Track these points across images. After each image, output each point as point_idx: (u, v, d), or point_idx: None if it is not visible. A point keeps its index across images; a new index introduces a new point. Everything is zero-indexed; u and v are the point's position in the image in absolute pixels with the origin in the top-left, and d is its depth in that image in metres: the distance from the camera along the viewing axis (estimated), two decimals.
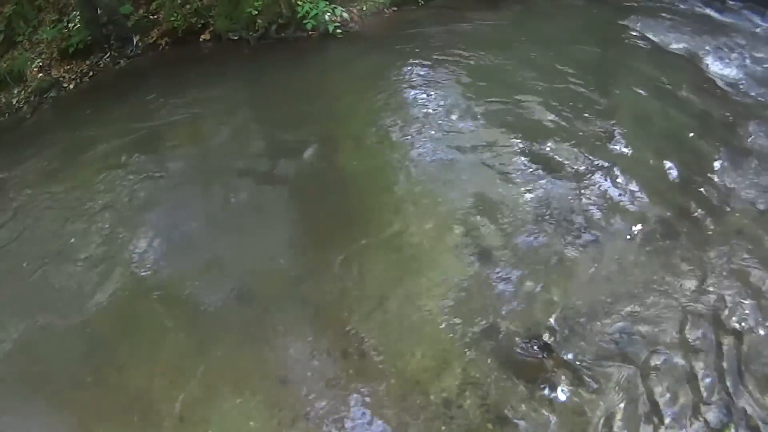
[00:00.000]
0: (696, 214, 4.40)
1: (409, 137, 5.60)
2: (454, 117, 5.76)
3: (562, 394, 3.46)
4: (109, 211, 5.76)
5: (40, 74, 9.05)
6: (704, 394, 3.34)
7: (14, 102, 8.77)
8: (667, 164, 4.85)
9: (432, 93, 6.20)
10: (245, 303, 4.49)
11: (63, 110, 8.26)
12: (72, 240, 5.54)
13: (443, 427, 3.39)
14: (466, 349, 3.72)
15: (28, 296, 5.13)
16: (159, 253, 5.14)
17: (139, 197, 5.83)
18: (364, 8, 8.23)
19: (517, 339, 3.73)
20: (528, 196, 4.71)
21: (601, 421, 3.31)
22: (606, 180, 4.75)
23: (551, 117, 5.48)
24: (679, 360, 3.51)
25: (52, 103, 8.58)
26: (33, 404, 4.32)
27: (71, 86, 8.77)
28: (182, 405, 3.88)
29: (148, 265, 5.05)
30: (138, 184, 6.01)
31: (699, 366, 3.47)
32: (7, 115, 8.60)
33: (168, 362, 4.19)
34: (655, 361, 3.53)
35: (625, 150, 5.05)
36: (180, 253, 5.09)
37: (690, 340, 3.60)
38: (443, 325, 3.89)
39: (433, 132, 5.59)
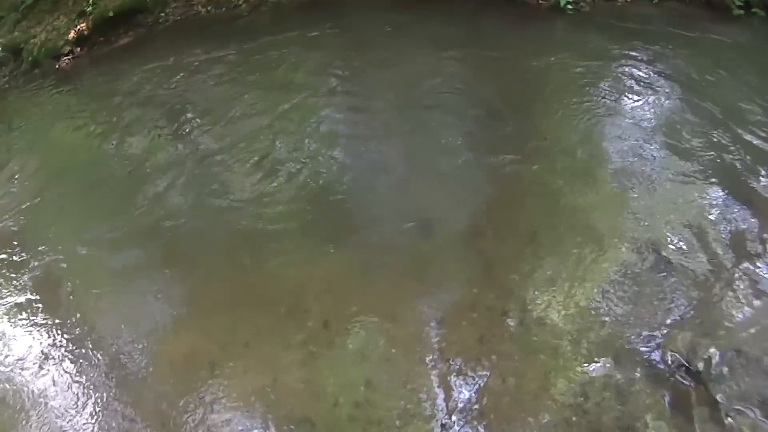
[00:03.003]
0: None
1: (611, 136, 5.56)
2: (658, 125, 5.63)
3: (696, 428, 3.38)
4: (300, 123, 6.15)
5: None
6: None
7: None
8: None
9: (647, 98, 6.05)
10: (422, 237, 4.66)
11: (279, 17, 8.60)
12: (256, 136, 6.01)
13: (574, 417, 3.43)
14: (620, 351, 3.71)
15: (209, 182, 5.59)
16: (350, 170, 5.44)
17: (332, 116, 6.21)
18: None
19: (671, 359, 3.67)
20: (726, 229, 4.53)
21: None
22: None
23: (757, 156, 5.17)
24: None
25: (270, 8, 8.94)
26: (187, 273, 4.78)
27: None
28: (331, 312, 4.13)
29: (337, 177, 5.36)
30: (334, 101, 6.42)
31: None
32: (224, 8, 9.11)
33: (329, 271, 4.46)
34: None
35: None
36: (370, 173, 5.37)
37: None
38: (605, 320, 3.91)
39: (635, 138, 5.49)
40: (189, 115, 6.64)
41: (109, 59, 8.57)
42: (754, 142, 5.35)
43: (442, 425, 3.43)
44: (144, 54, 8.24)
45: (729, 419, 3.42)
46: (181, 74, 7.46)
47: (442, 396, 3.57)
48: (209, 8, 9.10)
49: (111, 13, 8.95)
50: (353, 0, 8.61)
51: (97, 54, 8.85)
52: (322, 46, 7.52)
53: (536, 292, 4.09)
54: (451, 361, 3.73)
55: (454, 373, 3.67)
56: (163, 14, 9.14)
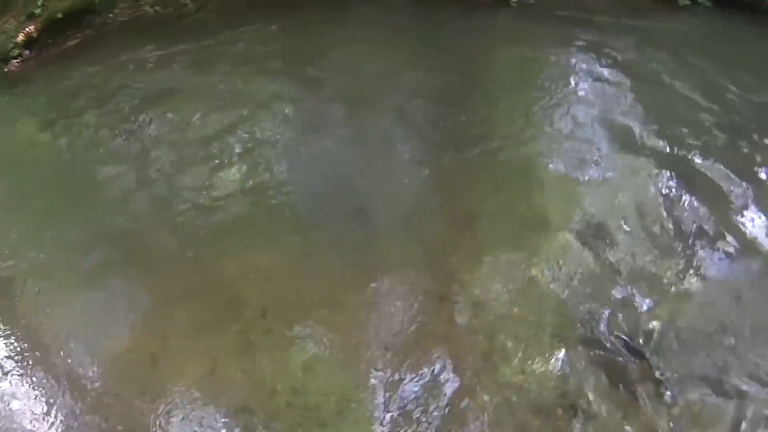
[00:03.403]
0: None
1: (557, 125, 5.56)
2: (605, 114, 5.66)
3: (640, 403, 3.39)
4: (242, 114, 6.07)
5: None
6: None
7: None
8: None
9: (594, 87, 6.09)
10: (360, 224, 4.62)
11: (227, 15, 8.40)
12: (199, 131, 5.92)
13: (514, 398, 3.42)
14: (562, 330, 3.72)
15: (155, 178, 5.45)
16: (292, 162, 5.36)
17: (279, 110, 6.08)
18: None
19: (612, 337, 3.69)
20: (669, 209, 4.59)
21: None
22: (754, 216, 4.56)
23: (703, 140, 5.28)
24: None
25: (217, 6, 8.76)
26: (130, 268, 4.63)
27: None
28: (269, 302, 4.07)
29: (278, 169, 5.28)
30: (279, 93, 6.33)
31: None
32: (171, 8, 8.97)
33: (268, 261, 4.38)
34: (743, 396, 3.42)
35: None
36: (311, 164, 5.29)
37: None
38: (547, 299, 3.92)
39: (582, 126, 5.52)
40: (140, 111, 6.48)
41: (59, 60, 8.36)
42: (700, 127, 5.43)
43: (380, 409, 3.38)
44: (93, 54, 8.07)
45: (671, 394, 3.43)
46: (132, 72, 7.30)
47: (379, 380, 3.52)
48: (156, 8, 8.96)
49: (60, 15, 8.78)
50: None
51: (47, 56, 8.64)
52: (270, 42, 7.45)
53: (476, 276, 4.08)
54: (388, 346, 3.69)
55: (392, 358, 3.62)
56: (111, 15, 8.97)
